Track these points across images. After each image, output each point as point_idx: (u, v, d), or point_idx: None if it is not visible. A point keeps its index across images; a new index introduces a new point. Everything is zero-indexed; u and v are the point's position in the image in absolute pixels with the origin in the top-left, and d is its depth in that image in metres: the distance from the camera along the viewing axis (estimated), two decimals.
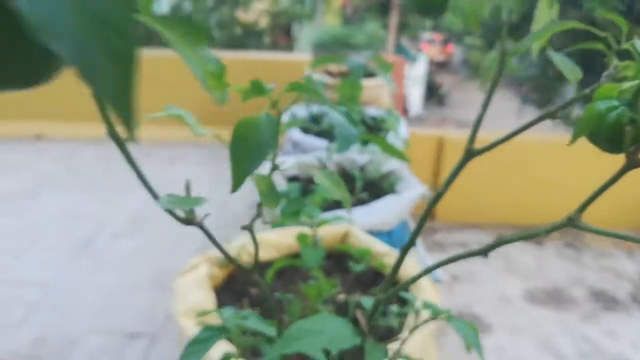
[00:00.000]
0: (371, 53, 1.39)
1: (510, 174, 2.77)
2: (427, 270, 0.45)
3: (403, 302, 0.93)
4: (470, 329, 0.49)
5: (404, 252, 0.48)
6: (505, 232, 2.54)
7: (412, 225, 1.52)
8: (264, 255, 1.00)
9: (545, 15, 0.44)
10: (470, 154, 0.44)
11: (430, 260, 1.92)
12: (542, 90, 4.09)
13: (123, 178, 3.12)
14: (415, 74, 5.68)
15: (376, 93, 2.44)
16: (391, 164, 1.36)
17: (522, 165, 2.72)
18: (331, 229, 1.00)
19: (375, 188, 1.34)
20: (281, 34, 5.20)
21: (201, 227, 0.43)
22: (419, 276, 0.46)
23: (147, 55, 3.79)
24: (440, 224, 2.83)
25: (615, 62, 0.39)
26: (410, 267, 0.96)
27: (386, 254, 0.99)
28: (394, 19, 4.88)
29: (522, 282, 2.41)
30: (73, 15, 0.14)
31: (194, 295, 0.82)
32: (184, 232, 2.55)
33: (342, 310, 0.87)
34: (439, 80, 6.46)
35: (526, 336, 2.05)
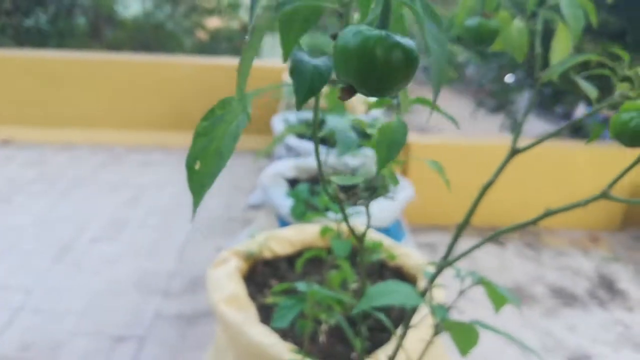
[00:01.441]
0: None
1: (472, 177, 2.93)
2: (451, 261, 0.55)
3: None
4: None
5: (459, 231, 0.58)
6: (468, 234, 2.69)
7: (405, 224, 1.63)
8: (281, 250, 1.08)
9: (563, 45, 0.55)
10: (514, 151, 0.54)
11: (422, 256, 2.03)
12: (496, 96, 4.31)
13: (97, 183, 3.11)
14: None
15: (351, 101, 2.55)
16: None
17: (483, 169, 2.89)
18: (342, 224, 1.08)
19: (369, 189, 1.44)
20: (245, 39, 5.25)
21: None
22: (461, 256, 0.55)
23: (122, 60, 3.78)
24: (407, 226, 2.96)
25: (625, 85, 0.51)
26: (415, 258, 1.06)
27: (392, 246, 1.09)
28: None
29: None
30: None
31: (228, 285, 0.89)
32: (162, 235, 2.59)
33: (357, 296, 0.96)
34: None
35: (492, 332, 2.19)
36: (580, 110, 3.92)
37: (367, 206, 0.62)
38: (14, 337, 1.81)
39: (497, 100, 4.04)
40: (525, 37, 0.57)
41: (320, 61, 0.38)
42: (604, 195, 0.51)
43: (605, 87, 0.59)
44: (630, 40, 2.98)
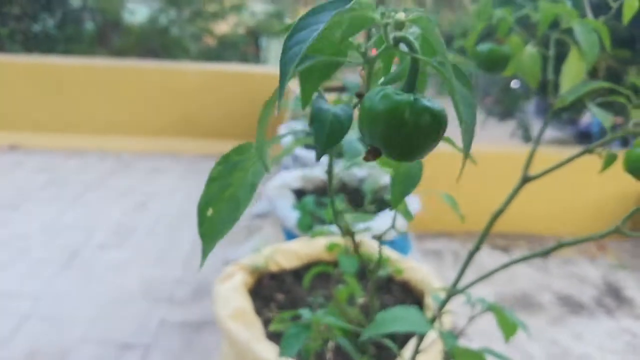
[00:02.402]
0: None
1: (481, 185, 2.92)
2: (485, 275, 0.55)
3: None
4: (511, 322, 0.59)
5: (470, 257, 0.58)
6: (474, 241, 2.69)
7: (411, 235, 1.63)
8: (288, 263, 1.09)
9: (575, 69, 0.55)
10: (525, 179, 0.54)
11: (427, 265, 2.03)
12: (504, 104, 4.31)
13: (105, 189, 3.13)
14: None
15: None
16: (387, 178, 1.47)
17: (491, 178, 2.88)
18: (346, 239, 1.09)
19: (376, 201, 1.45)
20: (251, 45, 5.29)
21: None
22: (484, 277, 0.55)
23: (131, 66, 3.80)
24: (413, 234, 2.96)
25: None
26: (422, 272, 1.07)
27: (399, 260, 1.09)
28: None
29: (493, 288, 2.55)
30: None
31: (234, 300, 0.90)
32: (169, 243, 2.60)
33: (364, 311, 0.96)
34: None
35: (498, 341, 2.18)
36: (587, 117, 3.91)
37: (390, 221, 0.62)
38: (21, 344, 1.82)
39: (504, 107, 4.04)
40: (538, 63, 0.57)
41: (340, 109, 0.37)
42: (617, 230, 0.51)
43: (617, 103, 0.59)
44: (638, 46, 2.97)
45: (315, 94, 0.39)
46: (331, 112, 0.37)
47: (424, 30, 0.34)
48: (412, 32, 0.36)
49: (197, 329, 1.95)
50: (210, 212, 0.37)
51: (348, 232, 0.52)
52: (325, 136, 0.36)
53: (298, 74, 0.36)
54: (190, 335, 1.92)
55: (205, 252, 0.38)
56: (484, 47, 0.62)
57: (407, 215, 0.58)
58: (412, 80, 0.34)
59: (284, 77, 0.31)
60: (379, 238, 0.59)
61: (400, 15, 0.35)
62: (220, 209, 0.37)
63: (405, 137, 0.32)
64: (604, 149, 0.55)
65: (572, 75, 0.55)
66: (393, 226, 0.58)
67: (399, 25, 0.35)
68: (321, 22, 0.32)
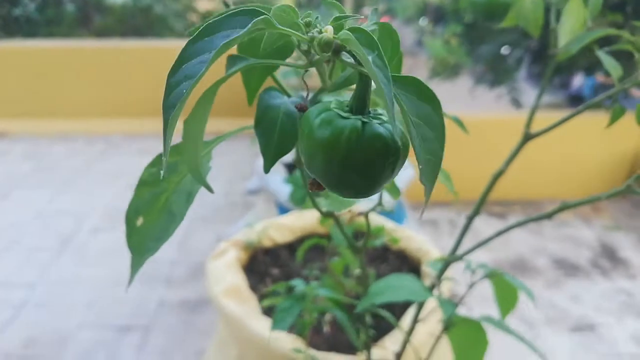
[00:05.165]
0: None
1: (475, 153, 2.91)
2: (485, 241, 0.54)
3: None
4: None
5: (470, 220, 0.57)
6: (470, 210, 2.69)
7: (406, 201, 1.61)
8: (281, 237, 1.07)
9: (575, 19, 0.52)
10: (527, 137, 0.52)
11: (423, 235, 2.02)
12: (495, 71, 4.26)
13: (95, 173, 3.09)
14: None
15: None
16: None
17: (482, 143, 2.87)
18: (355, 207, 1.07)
19: None
20: None
21: None
22: (484, 243, 0.54)
23: (115, 47, 3.73)
24: (410, 204, 2.95)
25: None
26: (418, 240, 1.05)
27: (395, 229, 1.08)
28: (348, 1, 4.96)
29: (489, 254, 2.56)
30: None
31: (227, 277, 0.88)
32: None
33: (361, 282, 0.95)
34: None
35: (496, 306, 2.19)
36: (578, 80, 3.88)
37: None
38: (19, 332, 1.81)
39: (495, 74, 4.00)
40: (540, 10, 0.53)
41: (294, 102, 0.30)
42: (629, 189, 0.49)
43: (620, 58, 0.56)
44: (630, 10, 2.92)
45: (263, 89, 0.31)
46: (282, 110, 0.30)
47: (358, 54, 0.25)
48: (369, 28, 0.28)
49: (195, 308, 1.95)
50: (140, 221, 0.31)
51: (328, 215, 0.48)
52: (274, 143, 0.29)
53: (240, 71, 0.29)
54: (188, 315, 1.91)
55: (134, 268, 0.32)
56: None
57: (394, 191, 0.54)
58: (362, 98, 0.26)
59: (166, 126, 0.24)
60: (365, 215, 0.56)
61: (327, 34, 0.27)
62: (152, 219, 0.31)
63: (350, 172, 0.25)
64: (609, 103, 0.52)
65: (572, 25, 0.52)
66: (380, 204, 0.54)
67: (325, 47, 0.27)
68: (214, 49, 0.25)
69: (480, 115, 3.07)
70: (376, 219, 1.09)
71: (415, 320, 0.58)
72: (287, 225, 1.08)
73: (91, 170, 3.14)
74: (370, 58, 0.23)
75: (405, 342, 0.59)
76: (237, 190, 2.85)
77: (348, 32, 0.25)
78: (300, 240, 1.08)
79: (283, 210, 1.29)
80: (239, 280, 0.88)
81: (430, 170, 0.25)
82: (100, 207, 2.66)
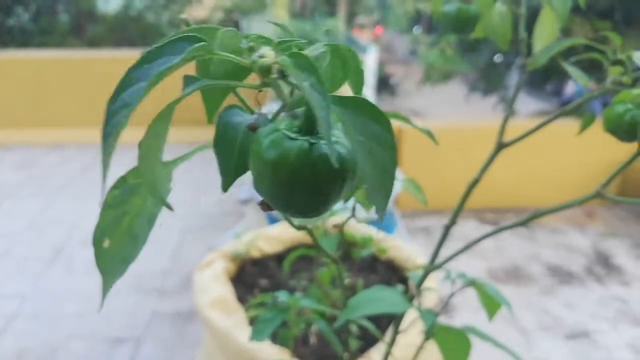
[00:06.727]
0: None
1: (466, 160, 2.91)
2: (470, 245, 0.53)
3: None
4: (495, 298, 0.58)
5: (447, 229, 0.56)
6: (463, 216, 2.68)
7: (396, 213, 1.61)
8: (269, 248, 1.07)
9: (547, 29, 0.52)
10: (500, 146, 0.52)
11: (414, 243, 2.01)
12: (488, 79, 4.28)
13: (87, 182, 3.08)
14: (368, 65, 5.77)
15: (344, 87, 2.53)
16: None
17: (476, 152, 2.87)
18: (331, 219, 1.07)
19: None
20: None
21: None
22: (466, 248, 0.53)
23: (107, 56, 3.73)
24: (403, 212, 2.95)
25: (617, 69, 0.48)
26: (407, 250, 1.05)
27: (383, 239, 1.07)
28: (342, 10, 4.97)
29: (483, 262, 2.55)
30: None
31: (214, 288, 0.88)
32: (155, 235, 2.56)
33: (350, 292, 0.95)
34: (389, 71, 6.60)
35: (483, 339, 2.17)
36: (571, 87, 3.89)
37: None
38: (10, 343, 1.79)
39: (488, 82, 4.01)
40: (508, 23, 0.54)
41: (256, 120, 0.30)
42: (598, 195, 0.49)
43: (595, 66, 0.56)
44: (619, 17, 2.94)
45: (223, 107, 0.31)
46: (242, 129, 0.29)
47: (296, 78, 0.25)
48: (314, 51, 0.28)
49: (188, 319, 1.94)
50: (107, 243, 0.31)
51: (300, 228, 0.48)
52: (234, 162, 0.29)
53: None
54: (181, 326, 1.90)
55: (105, 288, 0.32)
56: (451, 7, 0.58)
57: (366, 205, 0.54)
58: (311, 119, 0.26)
59: (105, 153, 0.24)
60: (340, 227, 0.56)
61: (266, 59, 0.27)
62: (118, 241, 0.32)
63: (297, 193, 0.26)
64: (582, 110, 0.52)
65: (545, 35, 0.52)
66: (353, 215, 0.55)
67: (265, 71, 0.27)
68: (149, 78, 0.25)
69: (475, 122, 3.08)
70: (365, 229, 1.09)
71: (396, 332, 0.58)
72: (276, 236, 1.08)
73: (84, 179, 3.13)
74: (307, 83, 0.23)
75: (387, 353, 0.59)
76: (230, 198, 2.84)
77: (286, 57, 0.25)
78: (289, 250, 1.07)
79: (273, 220, 1.28)
80: (226, 291, 0.88)
81: (381, 189, 0.25)
82: (92, 216, 2.63)
